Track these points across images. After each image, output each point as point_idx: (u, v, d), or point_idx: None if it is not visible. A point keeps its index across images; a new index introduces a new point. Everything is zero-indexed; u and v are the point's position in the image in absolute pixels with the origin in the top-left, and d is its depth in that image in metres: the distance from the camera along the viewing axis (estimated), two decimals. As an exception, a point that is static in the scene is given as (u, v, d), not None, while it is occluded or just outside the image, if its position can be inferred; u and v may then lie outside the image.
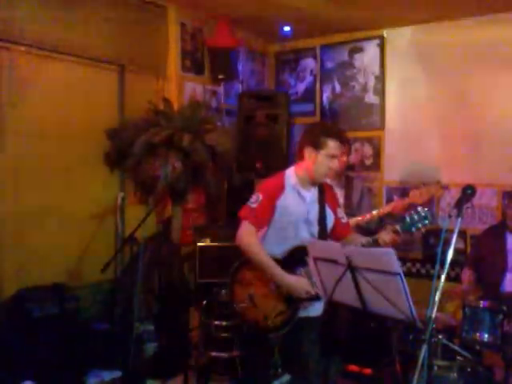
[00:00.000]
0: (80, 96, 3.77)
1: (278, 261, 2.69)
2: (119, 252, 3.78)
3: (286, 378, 3.58)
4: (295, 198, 2.75)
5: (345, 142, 2.70)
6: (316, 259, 2.26)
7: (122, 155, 3.80)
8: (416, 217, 2.60)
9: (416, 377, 1.80)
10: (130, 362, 2.93)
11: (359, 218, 3.61)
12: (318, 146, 2.67)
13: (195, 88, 4.57)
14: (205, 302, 3.94)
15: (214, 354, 3.79)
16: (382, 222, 3.78)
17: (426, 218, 2.58)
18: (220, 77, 4.65)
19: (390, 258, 1.91)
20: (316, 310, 2.77)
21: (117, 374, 3.33)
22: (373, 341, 3.78)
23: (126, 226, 4.03)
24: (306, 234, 2.74)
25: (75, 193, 3.76)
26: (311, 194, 2.80)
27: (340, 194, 3.87)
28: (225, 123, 4.73)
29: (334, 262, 2.13)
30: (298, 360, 2.86)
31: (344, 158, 3.88)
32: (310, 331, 2.79)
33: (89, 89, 3.84)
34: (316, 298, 2.62)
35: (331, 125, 2.86)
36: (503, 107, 4.30)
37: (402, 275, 1.90)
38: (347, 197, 3.92)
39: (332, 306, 3.59)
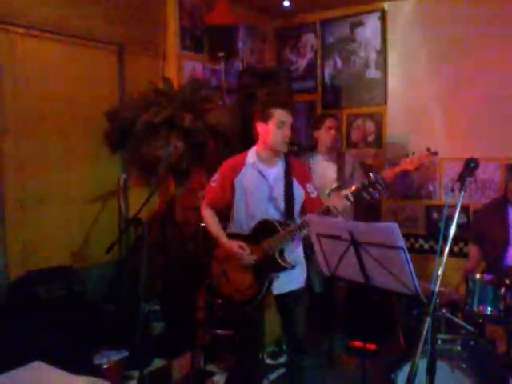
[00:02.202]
0: (79, 77, 3.74)
1: (242, 237, 2.82)
2: (123, 233, 3.80)
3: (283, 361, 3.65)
4: (255, 176, 2.81)
5: (290, 108, 2.80)
6: (319, 235, 2.26)
7: (122, 136, 3.77)
8: (367, 183, 2.62)
9: (419, 350, 1.81)
10: (137, 341, 2.96)
11: (349, 190, 3.65)
12: (265, 117, 2.79)
13: (195, 66, 4.52)
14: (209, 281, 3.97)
15: (218, 332, 3.84)
16: None
17: (377, 182, 2.59)
18: (220, 54, 4.57)
19: (393, 233, 1.91)
20: (294, 283, 2.86)
21: (124, 353, 3.38)
22: (376, 316, 3.80)
23: (129, 208, 4.03)
24: (272, 211, 2.80)
25: (77, 175, 3.76)
26: (276, 171, 2.84)
27: (333, 169, 3.96)
28: (226, 101, 4.69)
29: (337, 237, 2.14)
30: (289, 336, 2.96)
31: (333, 132, 4.01)
32: (296, 305, 2.88)
33: (88, 69, 3.81)
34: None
35: (275, 95, 3.01)
36: (506, 80, 4.25)
37: (406, 249, 1.90)
38: (339, 171, 3.96)
39: (329, 282, 3.67)
